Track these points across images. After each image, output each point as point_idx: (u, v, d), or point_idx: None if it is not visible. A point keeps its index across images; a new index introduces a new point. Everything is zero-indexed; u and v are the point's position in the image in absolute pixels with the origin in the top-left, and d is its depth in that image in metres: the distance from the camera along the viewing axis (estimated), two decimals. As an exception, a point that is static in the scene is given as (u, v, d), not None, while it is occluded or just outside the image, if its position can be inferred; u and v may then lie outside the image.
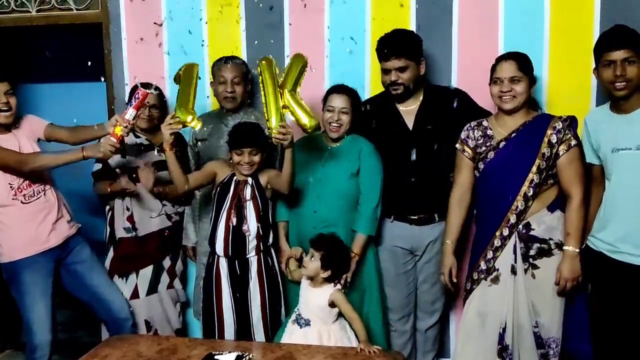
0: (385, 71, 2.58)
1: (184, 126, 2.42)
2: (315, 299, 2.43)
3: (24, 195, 2.55)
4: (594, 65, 2.35)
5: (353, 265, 2.54)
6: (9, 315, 3.72)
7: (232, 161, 2.57)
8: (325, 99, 2.63)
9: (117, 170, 2.82)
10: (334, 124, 2.59)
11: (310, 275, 2.44)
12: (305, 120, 2.39)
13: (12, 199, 2.53)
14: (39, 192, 2.59)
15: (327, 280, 2.44)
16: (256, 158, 2.52)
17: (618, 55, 2.21)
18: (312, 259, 2.42)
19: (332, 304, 2.41)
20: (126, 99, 3.03)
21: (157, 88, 2.87)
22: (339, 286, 2.45)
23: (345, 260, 2.50)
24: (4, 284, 3.65)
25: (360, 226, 2.57)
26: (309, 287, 2.47)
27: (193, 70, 2.51)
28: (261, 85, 2.40)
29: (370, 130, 2.67)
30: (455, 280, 2.48)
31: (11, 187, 2.52)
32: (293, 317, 2.52)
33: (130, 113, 2.46)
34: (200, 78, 2.53)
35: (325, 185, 2.60)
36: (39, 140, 2.69)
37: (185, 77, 2.50)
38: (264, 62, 2.42)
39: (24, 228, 2.55)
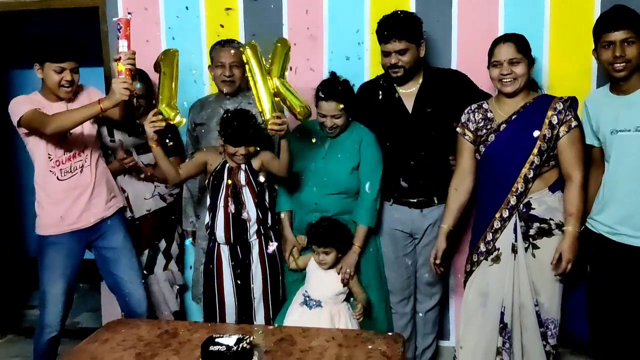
0: (385, 53, 2.55)
1: (168, 123, 2.36)
2: (330, 280, 2.51)
3: (61, 170, 2.52)
4: (593, 48, 2.33)
5: (355, 257, 2.55)
6: (11, 301, 3.76)
7: (224, 149, 2.55)
8: (316, 103, 2.56)
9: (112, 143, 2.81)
10: (329, 129, 2.57)
11: (331, 265, 2.52)
12: (298, 108, 2.33)
13: (50, 170, 2.50)
14: (76, 169, 2.55)
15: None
16: (251, 148, 2.51)
17: (617, 36, 2.19)
18: (327, 255, 2.50)
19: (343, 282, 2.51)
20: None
21: (141, 74, 2.82)
22: None
23: (349, 232, 2.56)
24: (7, 270, 3.71)
25: (361, 218, 2.57)
26: (321, 270, 2.53)
27: (173, 58, 2.42)
28: (249, 73, 2.31)
29: (369, 113, 2.66)
30: (439, 262, 2.47)
31: (50, 158, 2.50)
32: (300, 299, 2.55)
33: (122, 44, 2.32)
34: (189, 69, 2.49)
35: (326, 178, 2.59)
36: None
37: (166, 66, 2.39)
38: (248, 49, 2.29)
39: (56, 207, 2.54)
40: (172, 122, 2.37)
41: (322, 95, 2.51)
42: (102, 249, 2.66)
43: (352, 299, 2.57)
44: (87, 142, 2.58)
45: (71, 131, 2.50)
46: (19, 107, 2.45)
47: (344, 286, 2.52)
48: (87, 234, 2.61)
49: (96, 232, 2.63)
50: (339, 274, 2.53)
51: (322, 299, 2.50)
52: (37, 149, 2.51)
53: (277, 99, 2.32)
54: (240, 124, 2.46)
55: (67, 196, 2.54)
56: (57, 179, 2.52)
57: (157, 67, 2.45)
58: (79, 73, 2.54)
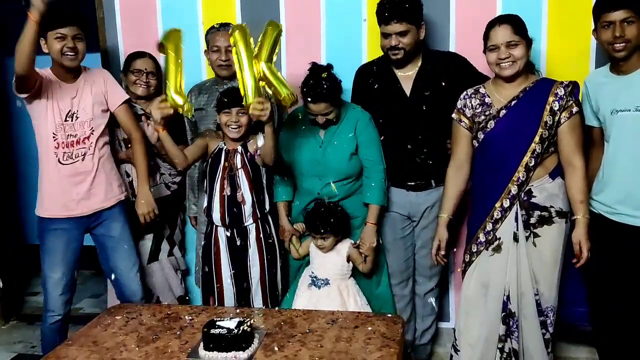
0: (385, 35, 2.53)
1: (175, 110, 2.34)
2: (333, 259, 2.56)
3: (64, 153, 2.50)
4: (593, 28, 2.31)
5: (372, 232, 2.55)
6: (14, 287, 3.78)
7: (220, 124, 2.55)
8: (304, 102, 2.51)
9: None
10: (321, 125, 2.55)
11: (330, 249, 2.56)
12: (283, 94, 2.28)
13: (53, 151, 2.48)
14: (77, 156, 2.52)
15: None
16: (243, 119, 2.50)
17: (617, 15, 2.17)
18: (324, 240, 2.53)
19: (348, 259, 2.57)
20: (121, 68, 2.99)
21: (151, 55, 2.85)
22: (351, 241, 2.59)
23: (346, 215, 2.58)
24: (8, 257, 3.73)
25: (372, 197, 2.56)
26: (322, 251, 2.57)
27: (177, 38, 2.35)
28: (235, 56, 2.24)
29: (367, 96, 2.65)
30: (443, 253, 2.46)
31: (54, 138, 2.48)
32: (307, 281, 2.58)
33: None
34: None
35: (326, 167, 2.58)
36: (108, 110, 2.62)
37: (171, 48, 2.33)
38: (237, 32, 2.23)
39: (55, 191, 2.52)
40: (180, 112, 2.36)
41: (310, 99, 2.47)
42: (100, 236, 2.66)
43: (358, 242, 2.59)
44: (94, 130, 2.56)
45: (78, 116, 2.50)
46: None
47: (347, 259, 2.56)
48: (87, 221, 2.61)
49: (96, 220, 2.63)
50: (354, 262, 2.55)
51: (329, 276, 2.54)
52: (43, 124, 2.47)
53: (262, 83, 2.28)
54: (234, 89, 2.47)
55: (67, 182, 2.52)
56: (59, 161, 2.50)
57: (160, 47, 2.39)
58: (84, 42, 2.49)
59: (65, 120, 2.50)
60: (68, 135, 2.50)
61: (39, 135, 2.52)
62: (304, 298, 2.55)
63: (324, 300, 2.49)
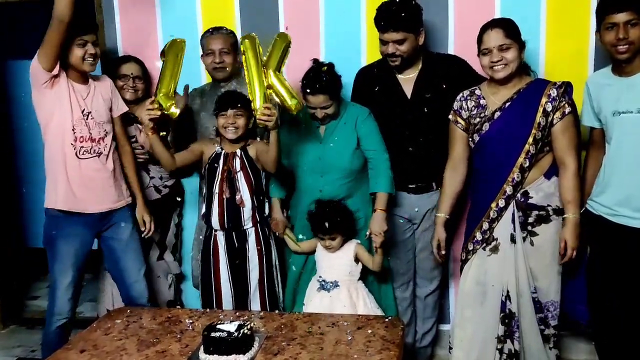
0: (382, 42, 2.52)
1: (163, 113, 2.39)
2: (340, 259, 2.55)
3: (82, 148, 2.49)
4: (593, 30, 2.31)
5: (382, 219, 2.49)
6: (13, 291, 3.77)
7: (217, 127, 2.56)
8: (303, 96, 2.52)
9: None
10: (320, 120, 2.56)
11: (338, 248, 2.54)
12: (290, 102, 2.33)
13: (71, 143, 2.47)
14: (94, 153, 2.53)
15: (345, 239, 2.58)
16: (240, 121, 2.51)
17: (621, 17, 2.17)
18: (333, 240, 2.51)
19: (356, 259, 2.55)
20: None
21: (136, 59, 2.87)
22: (357, 241, 2.57)
23: (351, 213, 2.57)
24: (9, 262, 3.72)
25: (380, 186, 2.54)
26: (328, 253, 2.55)
27: (179, 48, 2.43)
28: (245, 64, 2.34)
29: (367, 98, 2.65)
30: (444, 252, 2.46)
31: (74, 131, 2.48)
32: (316, 286, 2.57)
33: None
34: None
35: (328, 163, 2.57)
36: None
37: (171, 55, 2.42)
38: (247, 40, 2.34)
39: (71, 182, 2.50)
40: (166, 112, 2.39)
41: (308, 90, 2.48)
42: (110, 239, 2.66)
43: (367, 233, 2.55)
44: (107, 133, 2.58)
45: (93, 117, 2.52)
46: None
47: (355, 259, 2.54)
48: (98, 224, 2.60)
49: (107, 222, 2.63)
50: (362, 259, 2.54)
51: (339, 278, 2.53)
52: (63, 116, 2.46)
53: (270, 91, 2.33)
54: (231, 91, 2.52)
55: (83, 175, 2.51)
56: (76, 155, 2.49)
57: (162, 55, 2.46)
58: (99, 47, 2.53)
59: (84, 120, 2.50)
60: (89, 131, 2.51)
61: (54, 128, 2.48)
62: (314, 302, 2.53)
63: (334, 303, 2.48)
